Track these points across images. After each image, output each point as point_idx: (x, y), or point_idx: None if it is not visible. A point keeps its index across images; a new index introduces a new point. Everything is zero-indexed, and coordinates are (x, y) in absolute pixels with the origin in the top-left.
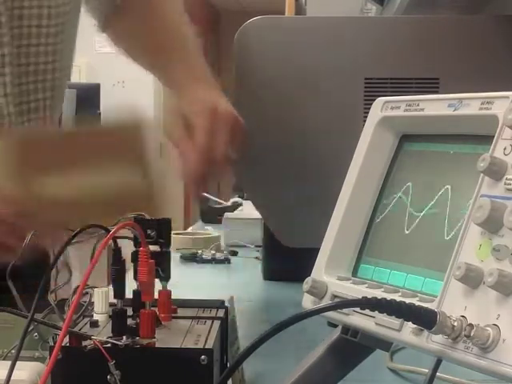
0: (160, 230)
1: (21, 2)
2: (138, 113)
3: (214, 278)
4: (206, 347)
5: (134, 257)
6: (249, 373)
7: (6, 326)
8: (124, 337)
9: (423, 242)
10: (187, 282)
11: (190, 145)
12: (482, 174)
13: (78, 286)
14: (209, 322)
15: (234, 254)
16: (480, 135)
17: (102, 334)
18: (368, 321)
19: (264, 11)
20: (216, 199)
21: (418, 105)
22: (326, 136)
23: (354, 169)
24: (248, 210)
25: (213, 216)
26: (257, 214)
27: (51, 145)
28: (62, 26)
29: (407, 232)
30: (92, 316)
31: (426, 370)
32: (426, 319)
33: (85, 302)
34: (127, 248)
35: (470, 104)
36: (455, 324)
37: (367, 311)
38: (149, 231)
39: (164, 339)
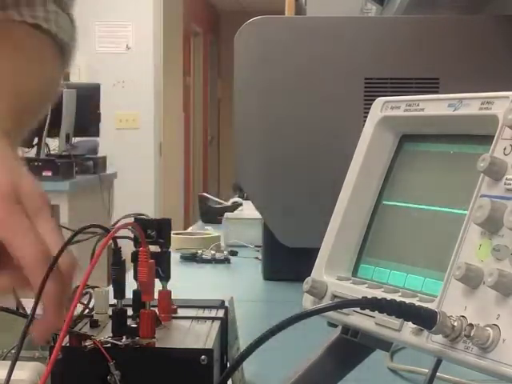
0: (160, 230)
1: None
2: None
3: (214, 278)
4: (206, 347)
5: (134, 257)
6: (249, 373)
7: (6, 326)
8: (124, 337)
9: (423, 241)
10: (187, 282)
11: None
12: (482, 174)
13: (77, 286)
14: (209, 322)
15: (234, 254)
16: (480, 135)
17: (102, 334)
18: (368, 321)
19: (264, 11)
20: (216, 199)
21: (418, 105)
22: (326, 136)
23: (354, 169)
24: (248, 210)
25: (213, 216)
26: (257, 214)
27: None
28: None
29: (407, 232)
30: (92, 316)
31: (426, 370)
32: (426, 319)
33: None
34: (127, 248)
35: (470, 104)
36: (455, 324)
37: (367, 311)
38: (149, 231)
39: (164, 339)
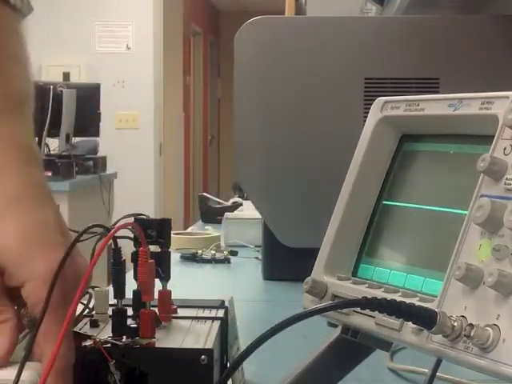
0: (160, 230)
1: None
2: None
3: (214, 277)
4: (206, 347)
5: (134, 257)
6: (249, 373)
7: None
8: (124, 337)
9: (423, 241)
10: (187, 281)
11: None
12: (482, 174)
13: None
14: (209, 322)
15: (234, 254)
16: (480, 135)
17: (102, 334)
18: (368, 321)
19: (264, 11)
20: (216, 199)
21: (418, 105)
22: (326, 136)
23: (354, 169)
24: (248, 210)
25: (213, 216)
26: (257, 214)
27: None
28: None
29: (407, 232)
30: (92, 316)
31: (426, 370)
32: (426, 319)
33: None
34: (127, 248)
35: (470, 104)
36: (455, 324)
37: (367, 311)
38: (149, 231)
39: (164, 339)
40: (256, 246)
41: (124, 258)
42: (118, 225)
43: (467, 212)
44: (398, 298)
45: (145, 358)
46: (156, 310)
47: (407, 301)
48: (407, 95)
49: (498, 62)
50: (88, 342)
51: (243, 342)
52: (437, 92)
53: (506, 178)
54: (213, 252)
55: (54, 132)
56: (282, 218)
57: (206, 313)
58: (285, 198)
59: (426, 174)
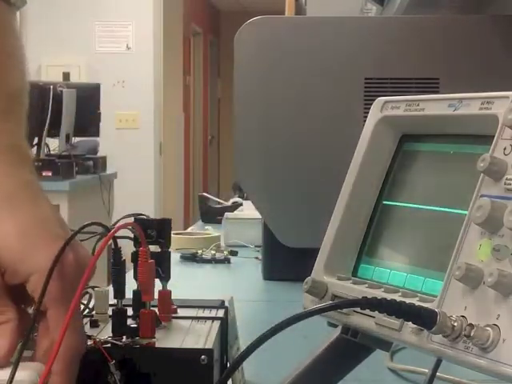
0: (160, 230)
1: None
2: None
3: (214, 277)
4: (206, 347)
5: (134, 257)
6: (249, 373)
7: None
8: (124, 337)
9: (423, 242)
10: (187, 281)
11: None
12: (482, 174)
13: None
14: (209, 322)
15: (234, 254)
16: (480, 135)
17: (102, 334)
18: (368, 321)
19: (264, 11)
20: (216, 199)
21: (418, 105)
22: (326, 136)
23: (354, 169)
24: (248, 210)
25: (213, 216)
26: (257, 214)
27: None
28: None
29: (407, 232)
30: (92, 316)
31: (426, 370)
32: (426, 319)
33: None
34: (127, 248)
35: (470, 104)
36: (455, 324)
37: (367, 311)
38: (149, 231)
39: (164, 339)
40: (256, 246)
41: (124, 258)
42: (118, 225)
43: (467, 212)
44: (398, 297)
45: (145, 358)
46: (156, 310)
47: (407, 301)
48: (407, 95)
49: (498, 62)
50: (88, 342)
51: (243, 342)
52: (437, 92)
53: (506, 178)
54: (213, 252)
55: (53, 132)
56: (282, 218)
57: (206, 313)
58: (285, 198)
59: (426, 174)
